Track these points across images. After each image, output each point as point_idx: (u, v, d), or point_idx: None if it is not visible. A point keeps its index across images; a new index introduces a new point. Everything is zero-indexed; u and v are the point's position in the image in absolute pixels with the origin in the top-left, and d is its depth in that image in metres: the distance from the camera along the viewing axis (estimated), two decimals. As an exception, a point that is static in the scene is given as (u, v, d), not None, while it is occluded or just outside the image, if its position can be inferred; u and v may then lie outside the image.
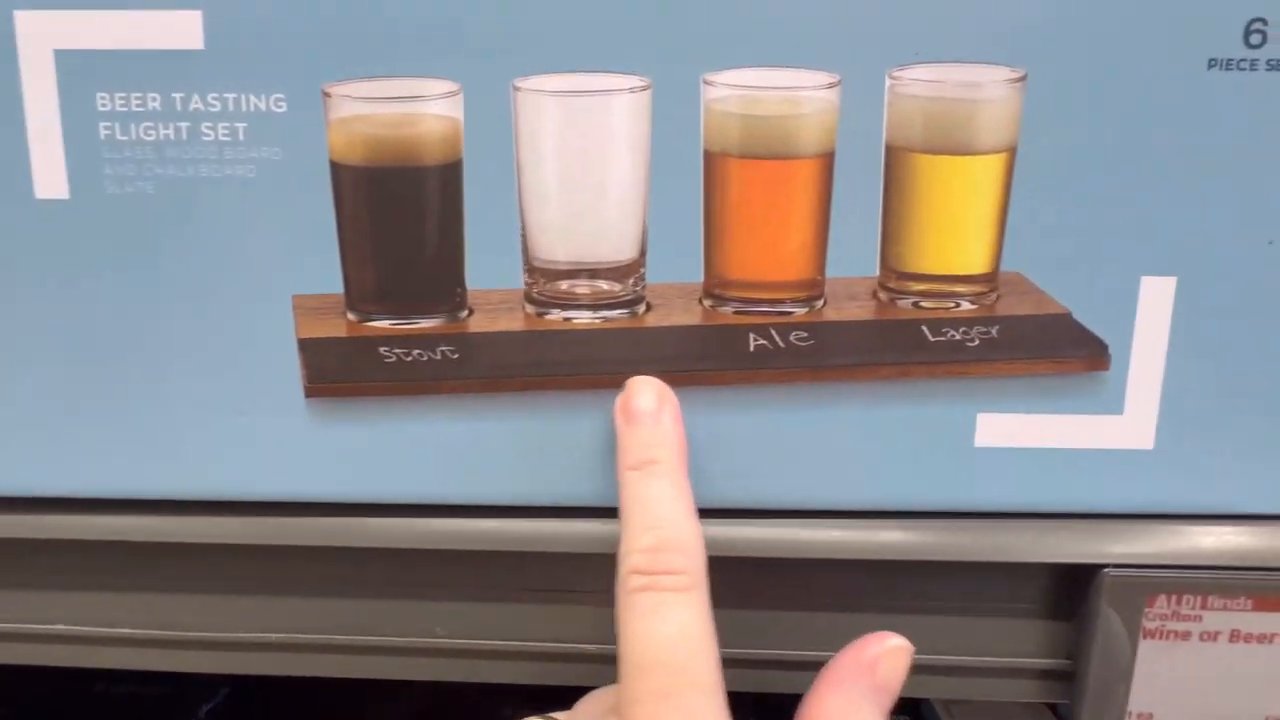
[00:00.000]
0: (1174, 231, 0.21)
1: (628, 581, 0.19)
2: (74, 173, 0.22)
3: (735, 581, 0.23)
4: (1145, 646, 0.23)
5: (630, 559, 0.19)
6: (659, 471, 0.20)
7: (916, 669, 0.23)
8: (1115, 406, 0.22)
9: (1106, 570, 0.22)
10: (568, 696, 0.22)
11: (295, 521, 0.23)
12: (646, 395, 0.21)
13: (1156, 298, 0.22)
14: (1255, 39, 0.21)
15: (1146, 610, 0.23)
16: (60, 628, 0.25)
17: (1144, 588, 0.22)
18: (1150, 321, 0.22)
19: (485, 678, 0.25)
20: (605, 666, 0.24)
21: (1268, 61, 0.21)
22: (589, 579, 0.24)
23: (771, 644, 0.24)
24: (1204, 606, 0.23)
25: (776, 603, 0.24)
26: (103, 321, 0.22)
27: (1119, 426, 0.23)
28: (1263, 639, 0.23)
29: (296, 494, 0.23)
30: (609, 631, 0.24)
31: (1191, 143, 0.21)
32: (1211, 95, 0.21)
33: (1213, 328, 0.22)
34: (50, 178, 0.22)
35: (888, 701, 0.19)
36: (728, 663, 0.24)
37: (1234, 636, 0.23)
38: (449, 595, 0.24)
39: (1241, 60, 0.21)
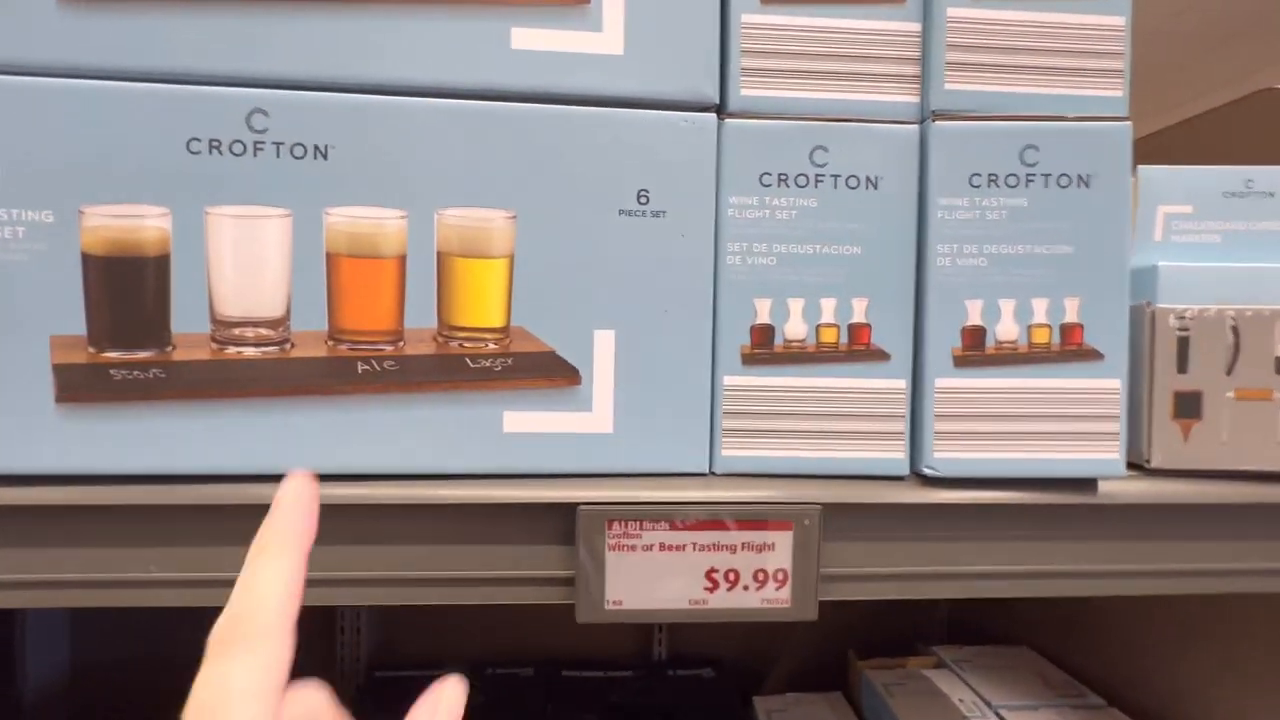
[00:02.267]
0: (611, 303, 0.37)
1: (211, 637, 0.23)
2: (-99, 256, 0.33)
3: (346, 524, 0.36)
4: (611, 556, 0.36)
5: (220, 621, 0.23)
6: (268, 554, 0.24)
7: (475, 583, 0.36)
8: (588, 406, 0.37)
9: (580, 507, 0.36)
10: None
11: (45, 490, 0.34)
12: (289, 488, 0.25)
13: (604, 342, 0.37)
14: (643, 199, 0.37)
15: (608, 532, 0.36)
16: None
17: (604, 517, 0.36)
18: (603, 356, 0.37)
19: (186, 602, 0.35)
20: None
21: (651, 212, 0.37)
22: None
23: (378, 568, 0.36)
24: (642, 529, 0.37)
25: (384, 540, 0.36)
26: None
27: (591, 419, 0.37)
28: (678, 548, 0.37)
29: (48, 469, 0.34)
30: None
31: (615, 255, 0.37)
32: (623, 230, 0.37)
33: (640, 359, 0.37)
34: (-117, 259, 0.33)
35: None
36: (372, 583, 0.36)
37: (661, 547, 0.37)
38: (158, 541, 0.35)
39: (636, 210, 0.37)
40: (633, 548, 0.37)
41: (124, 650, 0.80)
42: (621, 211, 0.37)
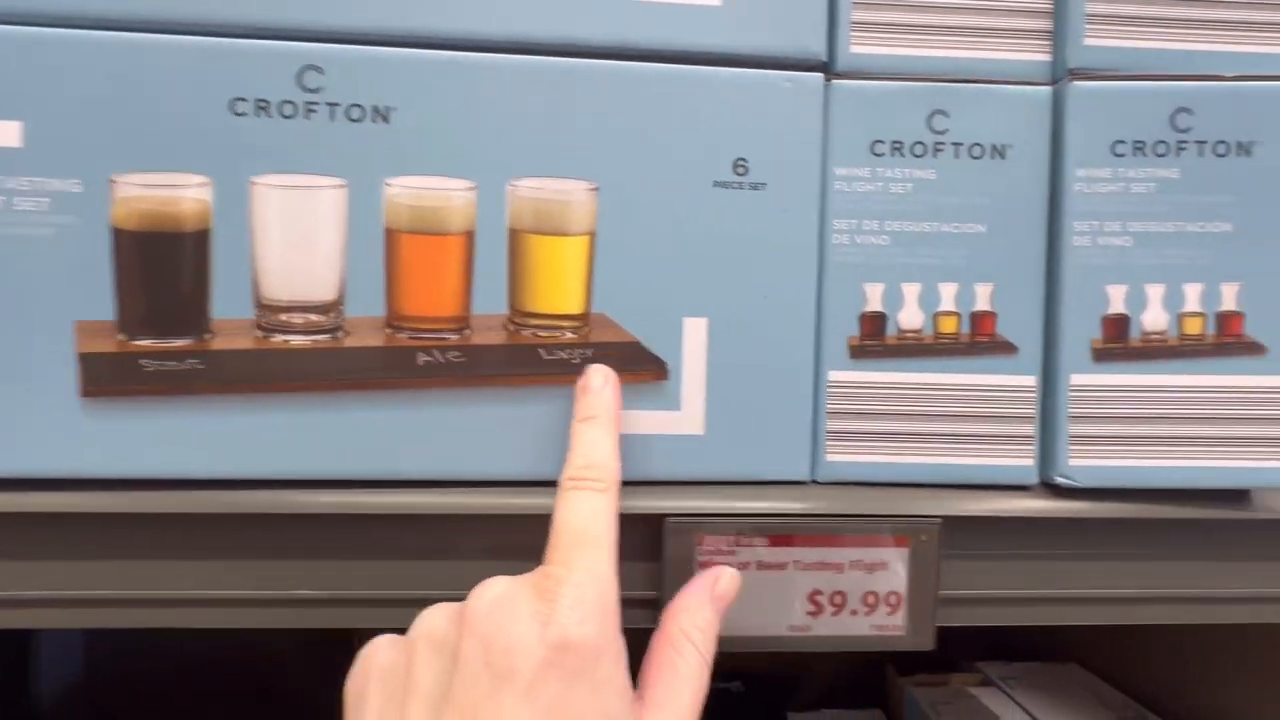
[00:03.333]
0: (703, 288, 0.33)
1: (564, 484, 0.28)
2: (-89, 229, 0.29)
3: (408, 536, 0.32)
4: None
5: (568, 471, 0.29)
6: (596, 423, 0.30)
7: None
8: (675, 405, 0.33)
9: (668, 519, 0.32)
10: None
11: (69, 496, 0.30)
12: (596, 377, 0.31)
13: (695, 332, 0.33)
14: (740, 169, 0.33)
15: (698, 547, 0.32)
16: None
17: (694, 530, 0.32)
18: (693, 347, 0.33)
19: (223, 623, 0.31)
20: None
21: (750, 184, 0.33)
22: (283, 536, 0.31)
23: (443, 585, 0.32)
24: (737, 544, 0.32)
25: (449, 553, 0.32)
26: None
27: (679, 419, 0.33)
28: (778, 567, 0.32)
29: (70, 471, 0.30)
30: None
31: (708, 232, 0.32)
32: (718, 204, 0.32)
33: (735, 351, 0.33)
34: (-109, 232, 0.29)
35: (723, 607, 0.30)
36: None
37: (759, 565, 0.32)
38: (198, 555, 0.31)
39: (733, 182, 0.32)
40: (726, 565, 0.33)
41: (140, 661, 0.76)
42: (716, 183, 0.33)
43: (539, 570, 0.27)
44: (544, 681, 0.24)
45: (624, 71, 0.32)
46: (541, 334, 0.32)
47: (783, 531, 0.32)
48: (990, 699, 0.70)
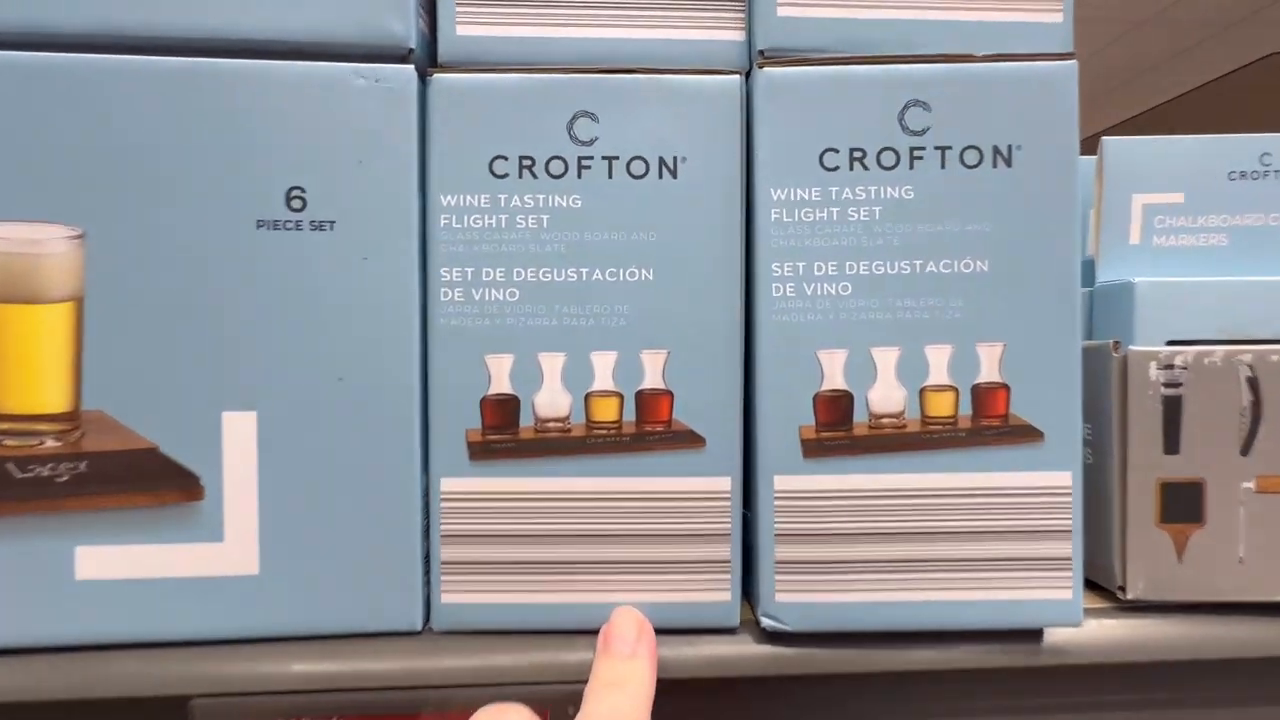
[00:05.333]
0: (249, 371, 0.23)
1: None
2: None
3: None
4: (250, 775, 0.23)
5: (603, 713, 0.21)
6: (623, 692, 0.22)
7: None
8: (216, 535, 0.24)
9: (195, 701, 0.23)
10: None
11: None
12: (628, 627, 0.23)
13: (239, 431, 0.24)
14: (296, 203, 0.24)
15: (243, 738, 0.23)
16: None
17: (232, 714, 0.23)
18: (237, 453, 0.23)
19: None
20: None
21: (311, 223, 0.24)
22: None
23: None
24: (299, 730, 0.23)
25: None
26: None
27: (221, 554, 0.24)
28: (363, 759, 0.24)
29: None
30: None
31: (253, 292, 0.23)
32: (262, 250, 0.23)
33: (298, 456, 0.24)
34: None
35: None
36: None
37: (333, 758, 0.23)
38: None
39: (285, 221, 0.24)
40: (285, 761, 0.24)
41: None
42: (261, 223, 0.24)
43: None
44: None
45: (123, 69, 0.23)
46: (9, 443, 0.23)
47: (373, 709, 0.23)
48: None
